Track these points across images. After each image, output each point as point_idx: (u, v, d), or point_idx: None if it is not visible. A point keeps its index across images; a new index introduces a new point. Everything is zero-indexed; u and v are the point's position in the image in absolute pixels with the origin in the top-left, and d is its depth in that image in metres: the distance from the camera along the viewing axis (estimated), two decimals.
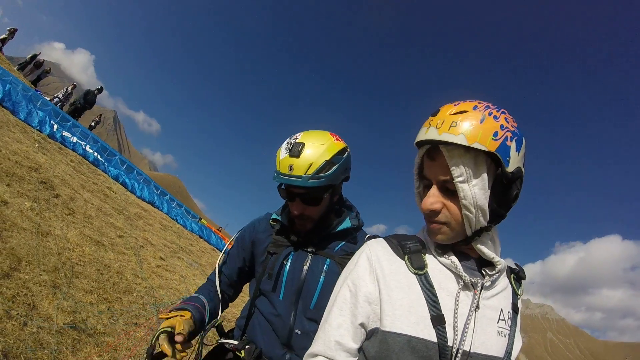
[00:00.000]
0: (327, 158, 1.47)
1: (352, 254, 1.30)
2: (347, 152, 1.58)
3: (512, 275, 1.18)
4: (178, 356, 1.33)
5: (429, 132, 1.02)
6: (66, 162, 8.93)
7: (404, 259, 1.10)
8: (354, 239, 1.64)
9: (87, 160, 10.88)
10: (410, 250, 1.11)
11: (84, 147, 11.00)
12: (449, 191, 1.03)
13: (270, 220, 1.70)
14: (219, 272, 1.76)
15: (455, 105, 1.04)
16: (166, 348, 1.34)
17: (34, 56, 15.54)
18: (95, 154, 11.53)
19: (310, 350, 1.10)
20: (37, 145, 7.79)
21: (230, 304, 1.86)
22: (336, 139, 1.56)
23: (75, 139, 10.67)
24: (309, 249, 1.60)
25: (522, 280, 1.20)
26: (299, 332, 1.48)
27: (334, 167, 1.49)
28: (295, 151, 1.46)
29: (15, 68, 14.38)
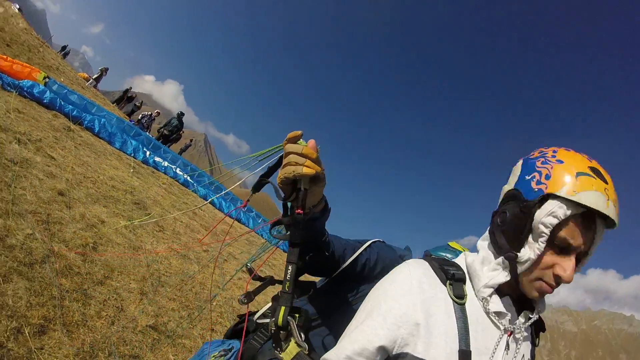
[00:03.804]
0: None
1: None
2: None
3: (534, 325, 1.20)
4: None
5: (609, 208, 0.99)
6: (158, 184, 10.13)
7: (445, 284, 1.12)
8: None
9: (177, 182, 12.17)
10: (453, 277, 1.13)
11: (174, 170, 12.32)
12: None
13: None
14: None
15: (607, 173, 1.04)
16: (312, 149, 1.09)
17: (127, 90, 18.11)
18: (185, 175, 12.84)
19: (325, 355, 1.12)
20: (131, 170, 8.99)
21: None
22: None
23: (166, 164, 12.01)
24: None
25: (541, 332, 1.22)
26: None
27: None
28: None
29: (111, 102, 16.78)
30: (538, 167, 1.06)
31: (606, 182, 1.00)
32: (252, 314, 1.56)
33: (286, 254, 1.16)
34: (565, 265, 1.02)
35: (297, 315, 1.18)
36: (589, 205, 0.97)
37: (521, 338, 1.11)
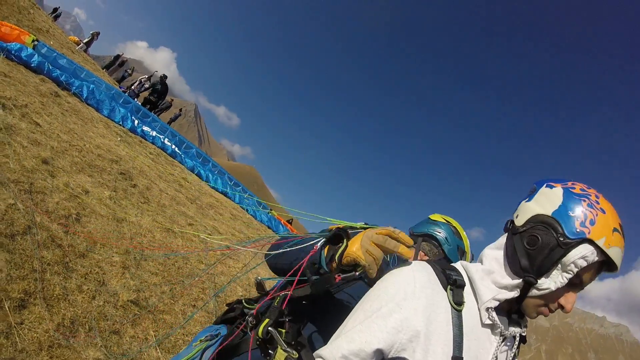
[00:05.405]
0: None
1: None
2: None
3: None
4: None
5: (621, 263, 1.13)
6: (145, 154, 9.99)
7: (446, 290, 1.14)
8: None
9: (165, 152, 12.01)
10: (455, 282, 1.15)
11: (162, 140, 12.14)
12: None
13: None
14: None
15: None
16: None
17: (118, 56, 17.51)
18: (173, 146, 12.67)
19: (319, 351, 1.12)
20: (119, 139, 8.84)
21: None
22: None
23: (154, 133, 11.82)
24: None
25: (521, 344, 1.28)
26: None
27: None
28: None
29: (101, 68, 16.28)
30: (584, 208, 1.10)
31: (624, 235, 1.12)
32: (240, 302, 1.58)
33: None
34: (571, 299, 1.13)
35: (282, 330, 1.19)
36: (614, 260, 1.08)
37: (507, 347, 1.18)
